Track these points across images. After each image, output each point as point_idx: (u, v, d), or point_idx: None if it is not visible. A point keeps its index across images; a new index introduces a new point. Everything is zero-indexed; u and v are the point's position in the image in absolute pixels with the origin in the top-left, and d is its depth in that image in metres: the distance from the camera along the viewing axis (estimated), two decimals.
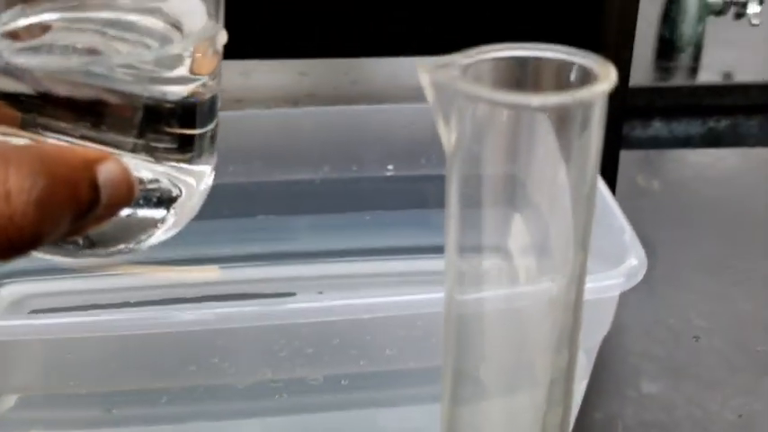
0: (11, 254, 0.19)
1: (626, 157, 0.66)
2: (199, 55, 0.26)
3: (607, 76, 0.19)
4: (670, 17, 0.87)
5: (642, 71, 0.87)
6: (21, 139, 0.23)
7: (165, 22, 0.27)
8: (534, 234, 0.24)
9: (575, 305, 0.24)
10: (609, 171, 0.59)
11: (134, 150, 0.25)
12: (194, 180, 0.27)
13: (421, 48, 0.63)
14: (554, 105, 0.18)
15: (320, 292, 0.51)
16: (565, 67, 0.21)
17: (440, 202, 0.22)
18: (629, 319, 0.52)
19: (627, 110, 0.69)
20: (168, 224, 0.27)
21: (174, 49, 0.26)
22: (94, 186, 0.21)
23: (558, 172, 0.21)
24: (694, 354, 0.50)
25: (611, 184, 0.59)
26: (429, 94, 0.20)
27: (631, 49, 0.58)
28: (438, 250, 0.24)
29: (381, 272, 0.53)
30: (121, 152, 0.24)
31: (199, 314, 0.35)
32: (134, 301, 0.50)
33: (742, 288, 0.55)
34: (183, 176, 0.26)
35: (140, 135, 0.25)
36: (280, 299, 0.50)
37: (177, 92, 0.26)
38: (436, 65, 0.20)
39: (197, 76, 0.26)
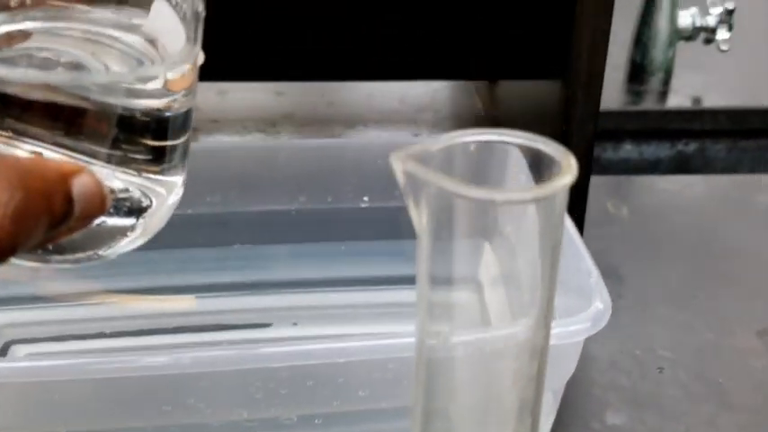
0: None
1: (596, 182, 0.67)
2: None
3: (569, 168, 0.20)
4: (641, 41, 0.89)
5: (613, 95, 0.89)
6: None
7: (144, 39, 0.27)
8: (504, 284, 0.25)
9: (541, 348, 0.25)
10: (579, 197, 0.61)
11: (107, 160, 0.26)
12: (165, 191, 0.27)
13: (397, 72, 0.64)
14: (517, 201, 0.19)
15: (295, 324, 0.51)
16: (529, 151, 0.22)
17: (413, 234, 0.23)
18: (594, 350, 0.53)
19: (598, 133, 0.71)
20: (137, 233, 0.28)
21: (152, 71, 0.27)
22: (69, 199, 0.22)
23: (531, 241, 0.22)
24: (658, 385, 0.51)
25: (582, 209, 0.60)
26: (400, 180, 0.21)
27: (601, 77, 0.59)
28: (412, 281, 0.25)
29: (356, 303, 0.54)
30: (95, 161, 0.25)
31: (175, 358, 0.35)
32: (110, 331, 0.50)
33: (706, 318, 0.57)
34: (154, 187, 0.27)
35: (114, 145, 0.26)
36: (256, 330, 0.52)
37: (151, 105, 0.26)
38: (407, 154, 0.21)
39: (171, 92, 0.27)
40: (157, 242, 0.55)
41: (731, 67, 0.92)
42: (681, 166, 0.88)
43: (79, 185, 0.22)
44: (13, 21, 0.26)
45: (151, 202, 0.27)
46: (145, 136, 0.26)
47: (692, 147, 0.88)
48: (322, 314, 0.53)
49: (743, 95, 0.90)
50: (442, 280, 0.24)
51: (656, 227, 0.68)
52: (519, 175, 0.31)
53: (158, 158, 0.27)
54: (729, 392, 0.51)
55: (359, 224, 0.55)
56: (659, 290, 0.60)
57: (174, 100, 0.27)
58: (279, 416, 0.38)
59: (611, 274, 0.63)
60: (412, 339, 0.26)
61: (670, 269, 0.62)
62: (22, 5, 0.27)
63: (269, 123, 0.79)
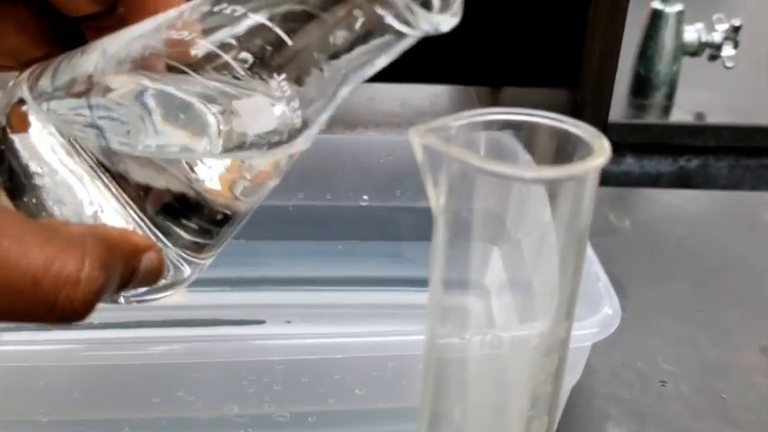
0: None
1: (599, 193, 0.66)
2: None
3: (602, 150, 0.19)
4: (646, 55, 0.88)
5: (617, 107, 0.88)
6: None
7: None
8: (520, 281, 0.24)
9: (562, 341, 0.23)
10: None
11: (157, 227, 0.25)
12: (191, 270, 0.27)
13: (399, 75, 0.63)
14: (549, 178, 0.18)
15: (288, 321, 0.50)
16: (556, 133, 0.21)
17: (413, 235, 0.22)
18: (597, 361, 0.52)
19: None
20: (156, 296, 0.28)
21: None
22: (135, 272, 0.24)
23: (548, 233, 0.21)
24: (660, 399, 0.50)
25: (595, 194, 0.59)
26: (419, 156, 0.20)
27: (611, 84, 0.58)
28: (410, 283, 0.24)
29: (351, 303, 0.52)
30: (144, 225, 0.25)
31: (168, 348, 0.34)
32: (98, 322, 0.49)
33: (709, 333, 0.55)
34: (183, 263, 0.27)
35: (171, 219, 0.25)
36: (249, 327, 0.50)
37: (221, 201, 0.26)
38: (427, 128, 0.20)
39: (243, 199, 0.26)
40: None
41: (736, 84, 0.92)
42: (682, 181, 0.87)
43: (146, 260, 0.24)
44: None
45: (175, 274, 0.27)
46: (206, 220, 0.26)
47: (694, 163, 0.87)
48: (316, 313, 0.51)
49: (747, 113, 0.89)
50: (455, 281, 0.23)
51: (658, 239, 0.67)
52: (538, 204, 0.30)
53: (204, 243, 0.27)
54: (732, 408, 0.49)
55: (357, 223, 0.54)
56: (662, 303, 0.58)
57: (242, 202, 0.26)
58: (271, 413, 0.37)
59: (613, 286, 0.62)
60: (416, 337, 0.25)
61: (672, 282, 0.61)
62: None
63: None
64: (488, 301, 0.37)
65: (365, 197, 0.54)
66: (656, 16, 0.86)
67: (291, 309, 0.51)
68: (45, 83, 0.26)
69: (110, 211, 0.25)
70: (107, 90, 0.25)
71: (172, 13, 0.26)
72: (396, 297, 0.52)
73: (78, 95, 0.25)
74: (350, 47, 0.23)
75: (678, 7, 0.86)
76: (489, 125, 0.21)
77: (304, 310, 0.51)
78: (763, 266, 0.64)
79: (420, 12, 0.21)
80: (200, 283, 0.53)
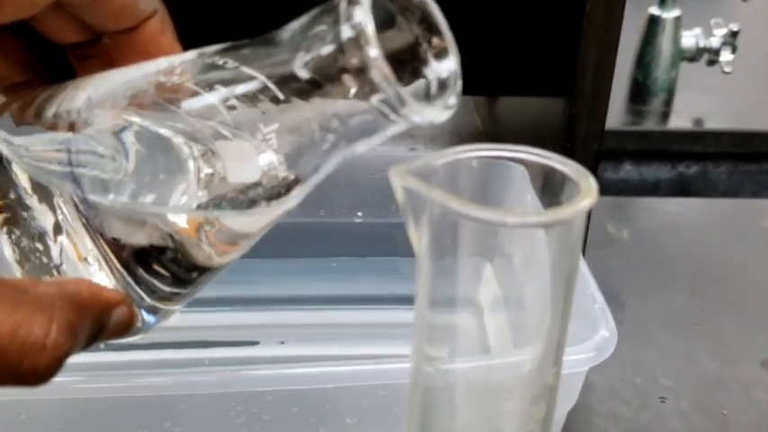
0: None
1: (597, 202, 0.66)
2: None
3: (589, 190, 0.18)
4: (644, 61, 0.87)
5: (614, 114, 0.87)
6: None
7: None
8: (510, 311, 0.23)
9: (551, 387, 0.23)
10: None
11: (133, 277, 0.25)
12: (159, 318, 0.26)
13: None
14: (533, 224, 0.17)
15: (282, 342, 0.49)
16: (542, 169, 0.20)
17: (408, 251, 0.21)
18: (595, 378, 0.51)
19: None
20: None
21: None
22: (104, 327, 0.23)
23: (541, 268, 0.20)
24: (660, 416, 0.49)
25: (584, 231, 0.58)
26: (399, 197, 0.19)
27: (607, 94, 0.57)
28: (406, 300, 0.23)
29: (347, 322, 0.51)
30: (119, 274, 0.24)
31: (153, 380, 0.33)
32: None
33: (708, 347, 0.55)
34: (154, 313, 0.26)
35: (147, 270, 0.25)
36: (241, 348, 0.50)
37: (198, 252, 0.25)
38: (408, 169, 0.19)
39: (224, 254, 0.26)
40: None
41: (734, 90, 0.91)
42: (682, 188, 0.86)
43: (117, 316, 0.23)
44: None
45: (143, 323, 0.26)
46: (183, 269, 0.26)
47: (693, 169, 0.86)
48: (311, 333, 0.50)
49: (746, 118, 0.88)
50: (443, 302, 0.22)
51: (657, 250, 0.66)
52: (524, 194, 0.29)
53: (178, 293, 0.26)
54: (733, 425, 0.49)
55: (352, 240, 0.53)
56: (661, 316, 0.58)
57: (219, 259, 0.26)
58: None
59: (611, 299, 0.61)
60: (406, 365, 0.24)
61: (672, 295, 0.60)
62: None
63: None
64: (479, 321, 0.37)
65: (359, 213, 0.53)
66: (654, 22, 0.86)
67: (285, 329, 0.51)
68: (28, 116, 0.26)
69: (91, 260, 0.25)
70: (88, 125, 0.24)
71: (162, 60, 0.25)
72: (392, 315, 0.52)
73: (57, 129, 0.25)
74: (340, 120, 0.22)
75: (676, 13, 0.85)
76: (473, 162, 0.20)
77: (298, 330, 0.51)
78: (763, 276, 0.63)
79: (414, 105, 0.20)
80: (192, 304, 0.52)
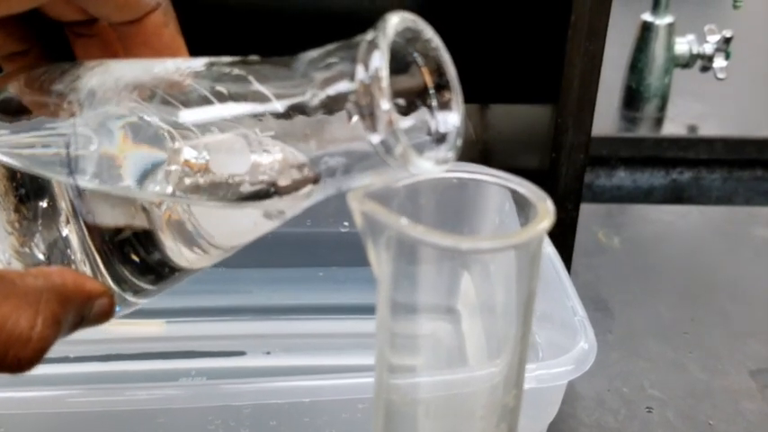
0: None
1: (587, 210, 0.66)
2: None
3: (545, 213, 0.18)
4: (637, 67, 0.87)
5: (608, 121, 0.87)
6: None
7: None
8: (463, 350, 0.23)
9: (512, 409, 0.23)
10: (569, 227, 0.59)
11: (110, 271, 0.26)
12: (125, 307, 0.26)
13: None
14: (487, 249, 0.17)
15: (268, 353, 0.49)
16: (503, 191, 0.20)
17: None
18: (582, 387, 0.51)
19: (591, 159, 0.69)
20: None
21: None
22: (85, 318, 0.24)
23: (507, 284, 0.20)
24: (646, 426, 0.49)
25: (571, 239, 0.58)
26: (358, 222, 0.19)
27: (593, 106, 0.57)
28: None
29: (333, 332, 0.51)
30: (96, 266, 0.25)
31: (129, 394, 0.33)
32: (74, 356, 0.48)
33: (697, 356, 0.55)
34: (123, 305, 0.27)
35: (126, 264, 0.26)
36: (227, 358, 0.50)
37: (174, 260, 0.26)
38: (366, 193, 0.19)
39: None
40: None
41: (728, 96, 0.91)
42: (675, 194, 0.86)
43: (97, 307, 0.24)
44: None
45: None
46: (155, 267, 0.26)
47: (686, 175, 0.86)
48: (297, 343, 0.50)
49: (739, 124, 0.88)
50: (407, 308, 0.22)
51: (647, 258, 0.66)
52: (496, 212, 0.29)
53: (150, 289, 0.27)
54: None
55: (338, 250, 0.53)
56: (650, 325, 0.58)
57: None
58: None
59: (600, 307, 0.61)
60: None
61: (661, 303, 0.60)
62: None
63: None
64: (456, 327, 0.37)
65: (345, 223, 0.53)
66: (647, 28, 0.86)
67: (271, 339, 0.50)
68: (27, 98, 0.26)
69: (72, 247, 0.25)
70: (89, 112, 0.25)
71: (170, 61, 0.26)
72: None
73: (58, 116, 0.25)
74: (335, 145, 0.22)
75: (669, 19, 0.85)
76: (433, 185, 0.20)
77: (284, 340, 0.51)
78: (753, 285, 0.63)
79: (413, 157, 0.20)
80: (178, 314, 0.52)
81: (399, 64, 0.22)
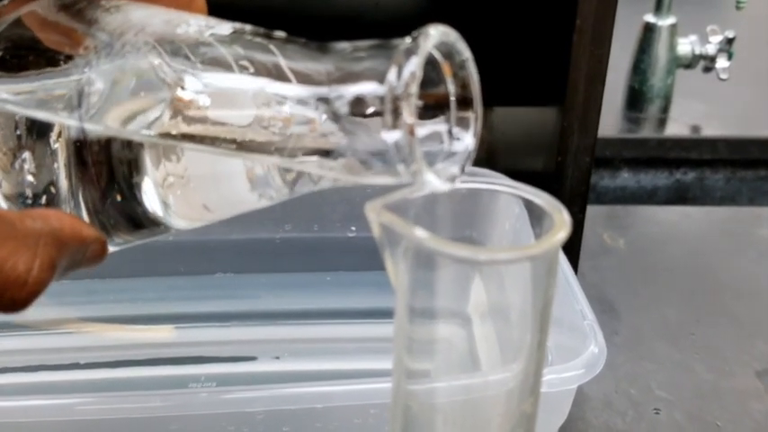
0: None
1: (592, 212, 0.66)
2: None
3: (562, 224, 0.19)
4: (640, 68, 0.87)
5: (611, 122, 0.87)
6: None
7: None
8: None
9: (529, 416, 0.23)
10: (575, 230, 0.59)
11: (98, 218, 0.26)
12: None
13: None
14: (503, 261, 0.18)
15: (277, 357, 0.49)
16: (519, 201, 0.21)
17: None
18: (590, 389, 0.51)
19: (595, 160, 0.69)
20: None
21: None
22: (79, 261, 0.24)
23: (523, 293, 0.20)
24: (654, 428, 0.49)
25: (577, 242, 0.58)
26: (376, 232, 0.19)
27: (599, 108, 0.58)
28: None
29: (342, 336, 0.52)
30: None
31: (142, 399, 0.33)
32: (84, 362, 0.48)
33: (704, 357, 0.55)
34: None
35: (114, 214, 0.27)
36: (237, 363, 0.50)
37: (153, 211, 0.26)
38: (384, 204, 0.19)
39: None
40: (137, 270, 0.53)
41: (730, 96, 0.91)
42: (679, 195, 0.86)
43: (90, 251, 0.25)
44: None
45: None
46: (137, 225, 0.27)
47: (690, 176, 0.86)
48: (306, 348, 0.51)
49: (742, 125, 0.88)
50: (424, 314, 0.22)
51: (653, 260, 0.66)
52: (509, 219, 0.29)
53: (126, 240, 0.28)
54: None
55: (346, 254, 0.53)
56: (656, 326, 0.58)
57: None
58: None
59: (606, 309, 0.61)
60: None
61: (667, 304, 0.60)
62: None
63: None
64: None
65: (353, 228, 0.54)
66: (649, 29, 0.86)
67: (280, 344, 0.51)
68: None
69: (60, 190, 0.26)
70: (108, 54, 0.25)
71: (192, 20, 0.26)
72: (387, 330, 0.51)
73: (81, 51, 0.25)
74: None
75: (671, 20, 0.85)
76: (448, 195, 0.20)
77: (293, 345, 0.51)
78: (759, 285, 0.63)
79: (425, 174, 0.20)
80: (188, 319, 0.52)
81: (428, 73, 0.22)
